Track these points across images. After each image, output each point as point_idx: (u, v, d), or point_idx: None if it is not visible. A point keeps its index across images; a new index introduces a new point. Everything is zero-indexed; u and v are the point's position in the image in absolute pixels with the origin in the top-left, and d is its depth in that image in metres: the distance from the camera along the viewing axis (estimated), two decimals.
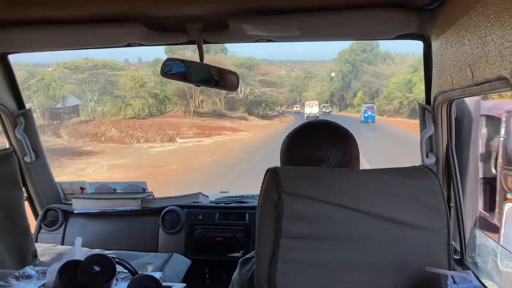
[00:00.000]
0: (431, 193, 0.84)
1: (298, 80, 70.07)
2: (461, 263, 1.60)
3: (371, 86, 54.09)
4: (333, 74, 65.23)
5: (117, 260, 0.79)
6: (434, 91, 1.50)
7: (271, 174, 0.84)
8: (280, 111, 46.45)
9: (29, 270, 1.17)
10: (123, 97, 37.01)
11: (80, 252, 0.81)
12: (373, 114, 37.09)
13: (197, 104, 41.66)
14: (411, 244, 0.83)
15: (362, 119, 36.87)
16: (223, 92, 36.58)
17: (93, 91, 34.99)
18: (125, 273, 0.98)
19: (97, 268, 0.72)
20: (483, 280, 1.45)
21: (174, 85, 36.74)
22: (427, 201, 0.84)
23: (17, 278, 1.13)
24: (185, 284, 1.22)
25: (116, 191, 2.33)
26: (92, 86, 35.00)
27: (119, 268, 0.84)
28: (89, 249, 1.95)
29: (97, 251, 1.94)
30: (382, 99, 48.65)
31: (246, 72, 42.25)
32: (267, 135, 27.68)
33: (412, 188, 0.85)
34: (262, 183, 0.86)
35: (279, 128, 29.78)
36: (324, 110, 49.32)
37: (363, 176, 0.87)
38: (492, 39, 0.92)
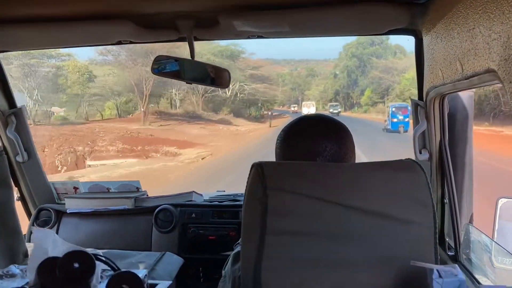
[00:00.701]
0: (417, 186, 0.83)
1: (300, 78, 66.88)
2: (456, 259, 1.59)
3: (381, 82, 48.69)
4: (337, 71, 60.90)
5: (99, 257, 0.77)
6: (426, 87, 1.49)
7: (256, 169, 0.83)
8: (270, 113, 39.84)
9: (13, 268, 1.16)
10: (81, 95, 31.49)
11: (63, 247, 0.80)
12: (406, 119, 23.73)
13: (171, 102, 36.87)
14: (397, 238, 0.81)
15: (388, 126, 25.50)
16: (203, 90, 33.81)
17: (31, 88, 28.42)
18: (110, 270, 0.97)
19: (76, 265, 0.71)
20: (477, 276, 1.44)
21: (122, 79, 31.12)
22: (413, 195, 0.83)
23: (0, 277, 1.12)
24: (171, 282, 1.20)
25: (110, 190, 2.32)
26: (31, 81, 28.34)
27: (104, 265, 0.83)
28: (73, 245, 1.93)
29: (89, 250, 1.92)
30: (393, 98, 42.32)
31: (229, 63, 33.82)
32: (236, 153, 18.19)
33: (398, 182, 0.84)
34: (248, 178, 0.85)
35: (264, 137, 23.50)
36: (331, 110, 44.66)
37: (349, 171, 0.86)
38: (480, 31, 0.91)
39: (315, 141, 1.02)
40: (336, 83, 60.84)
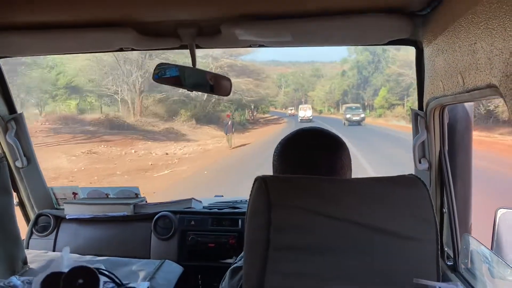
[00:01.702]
0: (420, 203, 0.84)
1: (304, 78, 62.24)
2: (454, 270, 1.59)
3: (400, 80, 39.38)
4: (346, 68, 53.82)
5: (102, 271, 0.77)
6: (426, 97, 1.50)
7: (260, 183, 0.83)
8: (228, 123, 21.26)
9: (15, 280, 1.16)
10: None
11: (67, 262, 0.80)
12: None
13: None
14: (400, 254, 0.82)
15: None
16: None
17: None
18: (112, 282, 0.97)
19: (80, 281, 0.71)
20: (476, 287, 1.44)
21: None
22: (416, 211, 0.83)
23: None
24: None
25: (109, 196, 2.32)
26: None
27: (106, 277, 0.83)
28: (79, 256, 1.93)
29: (87, 258, 1.92)
30: (415, 99, 32.72)
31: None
32: None
33: (401, 197, 0.84)
34: (251, 192, 0.85)
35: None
36: (349, 115, 33.14)
37: (352, 185, 0.86)
38: (481, 47, 0.91)
39: (312, 155, 1.03)
40: (344, 82, 53.34)
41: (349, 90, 51.62)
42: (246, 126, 33.11)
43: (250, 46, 1.70)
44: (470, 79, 1.01)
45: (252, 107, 39.68)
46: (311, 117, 39.58)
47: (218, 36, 1.55)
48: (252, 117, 39.19)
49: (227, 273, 1.13)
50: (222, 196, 2.73)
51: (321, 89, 59.66)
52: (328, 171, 1.03)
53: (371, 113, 43.53)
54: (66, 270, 0.74)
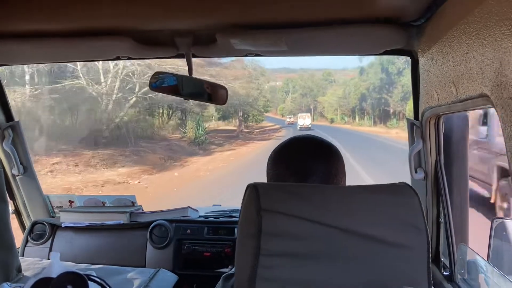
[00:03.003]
0: (411, 211, 0.84)
1: (313, 82, 55.14)
2: (451, 280, 1.58)
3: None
4: (364, 64, 43.24)
5: (92, 277, 0.77)
6: (421, 107, 1.51)
7: (251, 190, 0.83)
8: None
9: (6, 286, 1.15)
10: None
11: (57, 268, 0.80)
12: None
13: None
14: (390, 262, 0.82)
15: None
16: None
17: None
18: None
19: (69, 287, 0.71)
20: None
21: None
22: (407, 219, 0.83)
23: None
24: None
25: (105, 204, 2.31)
26: None
27: (97, 285, 0.83)
28: (73, 264, 1.92)
29: (83, 266, 1.92)
30: None
31: None
32: None
33: (392, 205, 0.84)
34: (243, 199, 0.85)
35: None
36: None
37: (343, 193, 0.86)
38: (473, 56, 0.92)
39: (306, 163, 1.04)
40: (362, 83, 43.25)
41: (369, 94, 41.04)
42: (205, 147, 22.96)
43: (246, 55, 1.71)
44: (463, 89, 1.02)
45: (240, 115, 34.62)
46: (310, 125, 39.33)
47: (214, 45, 1.56)
48: (241, 129, 34.04)
49: (220, 281, 1.13)
50: (220, 205, 2.72)
51: (333, 94, 51.50)
52: (322, 179, 1.03)
53: (398, 123, 34.33)
54: (55, 275, 0.74)
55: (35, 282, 0.73)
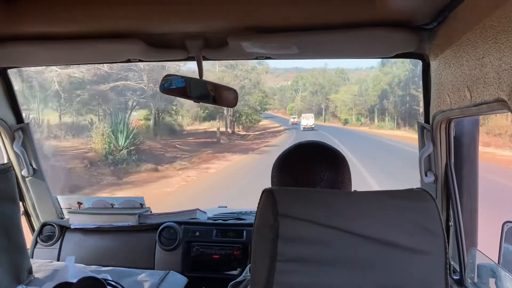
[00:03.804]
0: (428, 216, 0.84)
1: (324, 78, 49.73)
2: (461, 284, 1.58)
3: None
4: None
5: (110, 282, 0.77)
6: (433, 110, 1.51)
7: (267, 195, 0.83)
8: None
9: None
10: None
11: (72, 272, 0.80)
12: None
13: None
14: (407, 268, 0.81)
15: None
16: None
17: None
18: None
19: None
20: None
21: None
22: (424, 225, 0.83)
23: None
24: None
25: (114, 206, 2.32)
26: None
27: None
28: (84, 266, 1.93)
29: (92, 268, 1.92)
30: None
31: None
32: None
33: (409, 211, 0.84)
34: (258, 203, 0.85)
35: None
36: None
37: (360, 198, 0.86)
38: (490, 61, 0.92)
39: (312, 169, 1.04)
40: (383, 77, 34.95)
41: (391, 90, 32.89)
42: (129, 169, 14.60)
43: (257, 58, 1.71)
44: (478, 93, 1.02)
45: (227, 115, 28.35)
46: (313, 126, 38.16)
47: (225, 48, 1.56)
48: (232, 131, 29.68)
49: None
50: (226, 207, 2.72)
51: (347, 91, 44.37)
52: (329, 186, 1.04)
53: None
54: (71, 280, 0.75)
55: (53, 287, 0.73)
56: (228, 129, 29.32)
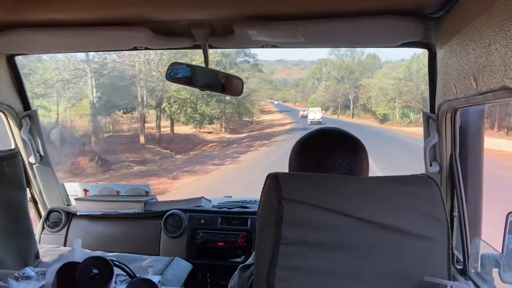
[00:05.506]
0: (432, 202, 0.84)
1: (353, 61, 43.90)
2: (464, 273, 1.58)
3: None
4: None
5: (115, 262, 0.79)
6: (438, 100, 1.50)
7: (272, 180, 0.84)
8: None
9: (29, 271, 1.17)
10: None
11: (79, 254, 0.81)
12: None
13: None
14: (411, 253, 0.82)
15: None
16: None
17: None
18: (124, 276, 0.98)
19: (95, 271, 0.72)
20: None
21: None
22: (428, 210, 0.83)
23: (16, 279, 1.13)
24: None
25: (119, 194, 2.34)
26: None
27: (118, 271, 0.84)
28: (90, 251, 1.95)
29: (98, 253, 1.95)
30: None
31: None
32: None
33: (413, 197, 0.84)
34: (263, 188, 0.86)
35: None
36: None
37: (364, 184, 0.86)
38: (496, 49, 0.91)
39: (331, 155, 1.04)
40: (410, 66, 28.59)
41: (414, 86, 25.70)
42: None
43: (262, 47, 1.71)
44: (484, 82, 1.01)
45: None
46: (320, 119, 36.92)
47: (231, 36, 1.56)
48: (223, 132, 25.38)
49: (237, 271, 1.14)
50: (231, 196, 2.74)
51: (386, 75, 32.88)
52: (346, 173, 1.04)
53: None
54: (78, 260, 0.76)
55: (61, 266, 0.75)
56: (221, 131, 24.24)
